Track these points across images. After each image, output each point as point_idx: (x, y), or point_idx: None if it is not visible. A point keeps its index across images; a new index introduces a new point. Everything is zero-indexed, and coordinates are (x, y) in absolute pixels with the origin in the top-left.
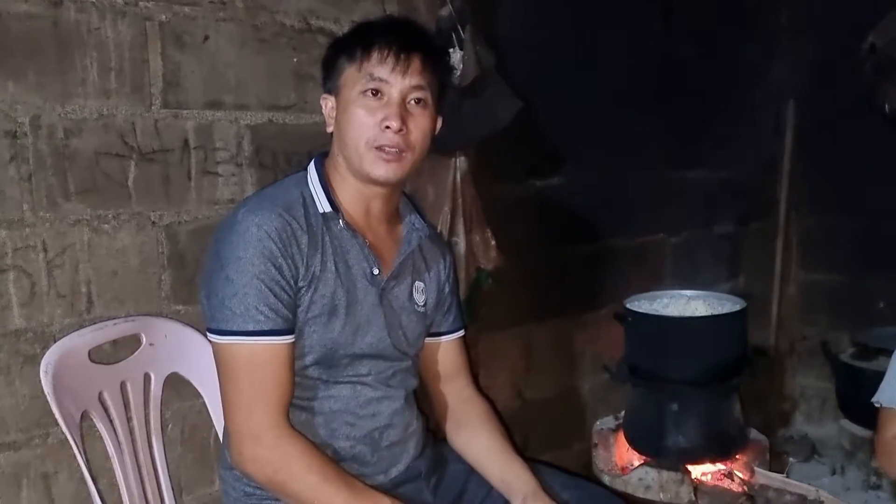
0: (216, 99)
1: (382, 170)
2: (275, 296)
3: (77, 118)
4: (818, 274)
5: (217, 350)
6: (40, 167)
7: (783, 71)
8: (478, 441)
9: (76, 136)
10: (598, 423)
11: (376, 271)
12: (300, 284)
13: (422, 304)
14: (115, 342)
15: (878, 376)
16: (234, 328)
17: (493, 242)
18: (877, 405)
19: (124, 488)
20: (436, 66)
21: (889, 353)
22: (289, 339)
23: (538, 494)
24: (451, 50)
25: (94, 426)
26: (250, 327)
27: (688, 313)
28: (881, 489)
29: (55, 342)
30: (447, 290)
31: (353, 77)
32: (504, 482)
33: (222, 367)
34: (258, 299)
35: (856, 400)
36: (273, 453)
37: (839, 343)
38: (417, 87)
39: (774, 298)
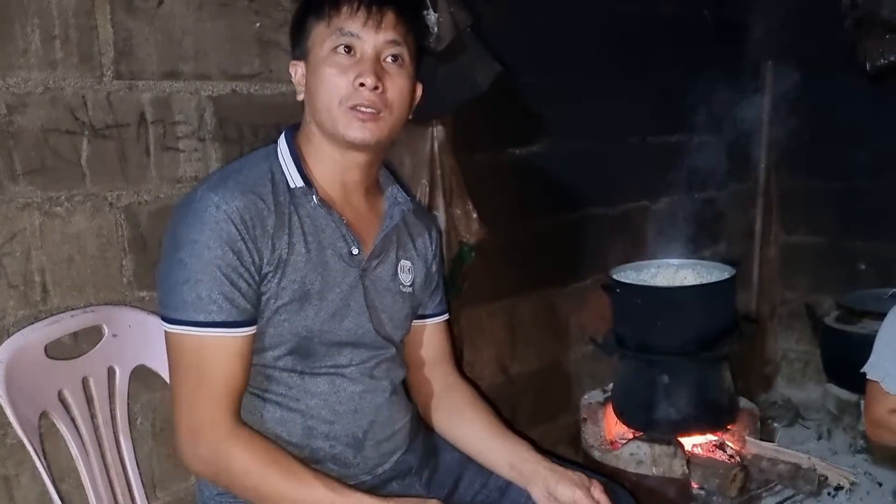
0: (174, 69)
1: (359, 131)
2: (231, 284)
3: (20, 92)
4: (799, 236)
5: (167, 338)
6: None
7: (762, 31)
8: (473, 428)
9: (20, 111)
10: (585, 396)
11: (356, 251)
12: (265, 270)
13: (408, 283)
14: (75, 335)
15: (864, 339)
16: (184, 317)
17: (474, 215)
18: (867, 375)
19: (91, 490)
20: (411, 22)
21: (874, 315)
22: (243, 331)
23: (561, 476)
24: (424, 12)
25: (53, 424)
26: (200, 318)
27: (677, 283)
28: (868, 452)
29: (8, 336)
30: (434, 268)
31: (322, 35)
32: (515, 468)
33: (170, 358)
34: (212, 287)
35: (842, 364)
36: (213, 453)
37: (820, 305)
38: (392, 43)
39: (755, 261)
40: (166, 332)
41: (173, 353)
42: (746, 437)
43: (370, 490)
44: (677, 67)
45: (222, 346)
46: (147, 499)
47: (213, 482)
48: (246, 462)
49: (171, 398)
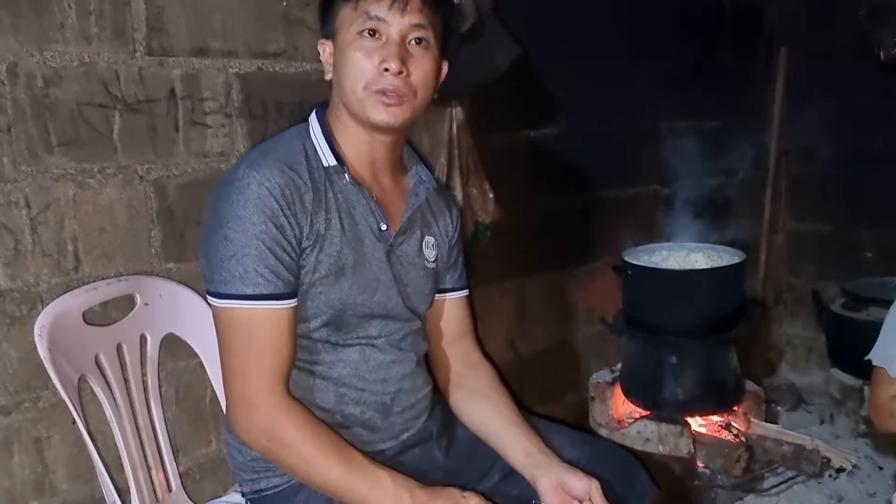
0: (203, 45)
1: (384, 114)
2: (275, 257)
3: (57, 65)
4: (807, 223)
5: (215, 313)
6: (20, 118)
7: (776, 18)
8: (491, 413)
9: (56, 84)
10: (594, 376)
11: (384, 227)
12: (304, 244)
13: (432, 259)
14: (105, 303)
15: (869, 326)
16: (233, 291)
17: (491, 195)
18: (872, 362)
19: (124, 451)
20: (437, 3)
21: (879, 303)
22: (289, 303)
23: (575, 471)
24: None
25: (86, 387)
26: (249, 291)
27: (688, 266)
28: (870, 437)
29: (42, 302)
30: (455, 245)
31: (348, 17)
32: (529, 457)
33: (220, 332)
34: (258, 261)
35: (846, 350)
36: (267, 422)
37: (826, 292)
38: (418, 26)
39: (763, 247)
40: (215, 308)
41: (223, 327)
42: (751, 419)
43: (394, 456)
44: (692, 53)
45: (270, 318)
46: (175, 462)
47: (263, 452)
48: (297, 434)
49: (223, 372)
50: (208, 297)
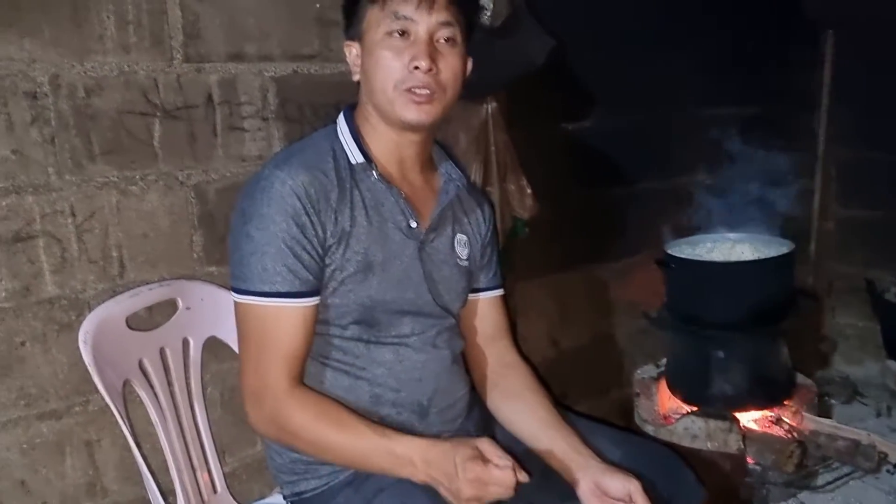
0: (238, 50)
1: (414, 113)
2: (294, 256)
3: (97, 76)
4: (857, 210)
5: (235, 308)
6: (63, 128)
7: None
8: (528, 413)
9: (97, 94)
10: (638, 371)
11: (414, 224)
12: (329, 242)
13: (465, 257)
14: (150, 308)
15: None
16: (251, 288)
17: (528, 190)
18: None
19: (169, 454)
20: (463, 1)
21: None
22: (305, 301)
23: (614, 472)
24: None
25: (133, 391)
26: (266, 288)
27: (734, 258)
28: None
29: (89, 308)
30: (488, 243)
31: (375, 18)
32: (567, 458)
33: (238, 326)
34: (277, 259)
35: None
36: (273, 411)
37: (880, 280)
38: (445, 24)
39: (812, 236)
40: (235, 302)
41: (241, 322)
42: (804, 413)
43: None
44: (734, 39)
45: (285, 315)
46: (220, 463)
47: (277, 441)
48: (301, 417)
49: (240, 364)
50: (231, 292)
